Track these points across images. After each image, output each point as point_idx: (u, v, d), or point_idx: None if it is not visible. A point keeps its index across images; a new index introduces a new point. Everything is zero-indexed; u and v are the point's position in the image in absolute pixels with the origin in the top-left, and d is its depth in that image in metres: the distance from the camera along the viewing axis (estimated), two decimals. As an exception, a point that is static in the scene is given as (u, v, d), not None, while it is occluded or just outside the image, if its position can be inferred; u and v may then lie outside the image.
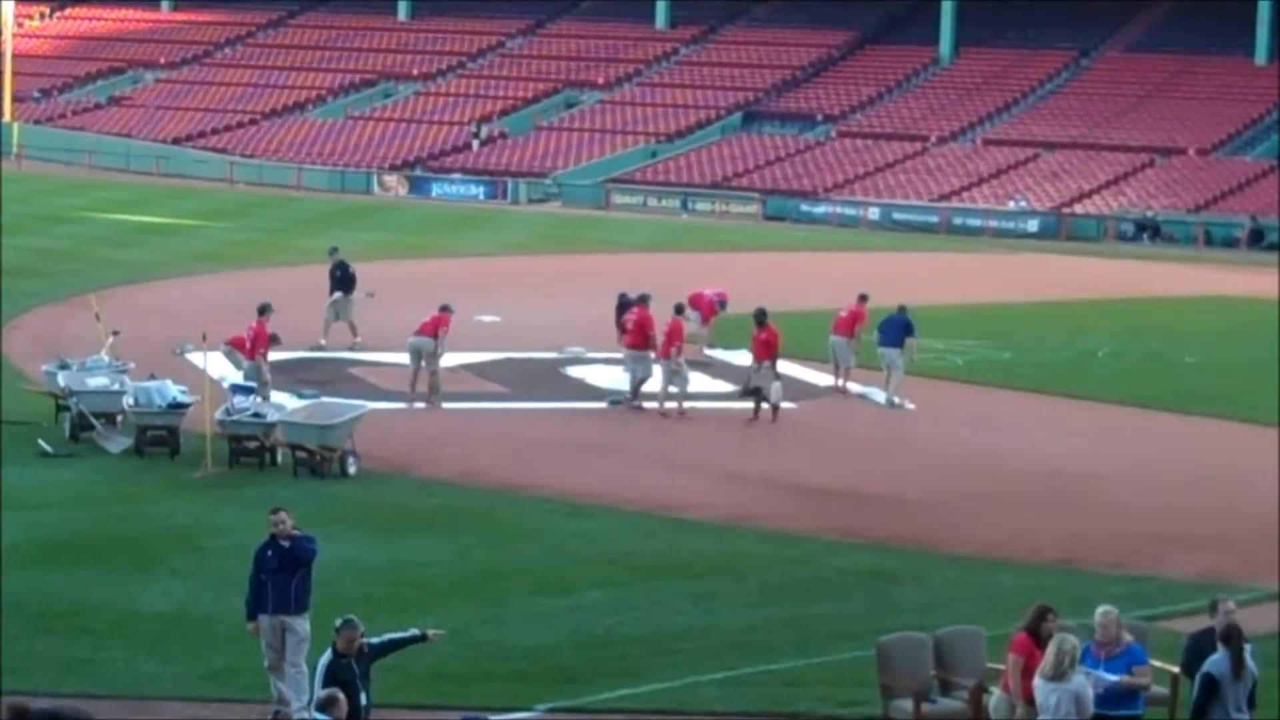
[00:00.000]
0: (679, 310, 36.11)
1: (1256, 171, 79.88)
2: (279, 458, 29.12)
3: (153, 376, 31.43)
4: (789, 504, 28.12)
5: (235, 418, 29.17)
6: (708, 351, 40.82)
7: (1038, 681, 15.48)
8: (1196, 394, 38.44)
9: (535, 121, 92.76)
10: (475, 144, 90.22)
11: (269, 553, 18.19)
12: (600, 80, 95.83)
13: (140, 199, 76.01)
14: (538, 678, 19.61)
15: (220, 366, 34.06)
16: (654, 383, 35.08)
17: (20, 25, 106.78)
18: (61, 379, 31.30)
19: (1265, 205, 75.66)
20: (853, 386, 37.39)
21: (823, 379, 38.11)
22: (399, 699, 18.04)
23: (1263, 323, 47.49)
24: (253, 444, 29.11)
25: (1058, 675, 15.31)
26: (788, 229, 76.63)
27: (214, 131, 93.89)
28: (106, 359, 32.65)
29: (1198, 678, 16.06)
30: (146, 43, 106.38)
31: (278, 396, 32.67)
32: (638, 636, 21.20)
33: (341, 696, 14.65)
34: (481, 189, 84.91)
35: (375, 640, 16.07)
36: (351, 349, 39.70)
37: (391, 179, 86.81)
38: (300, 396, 33.07)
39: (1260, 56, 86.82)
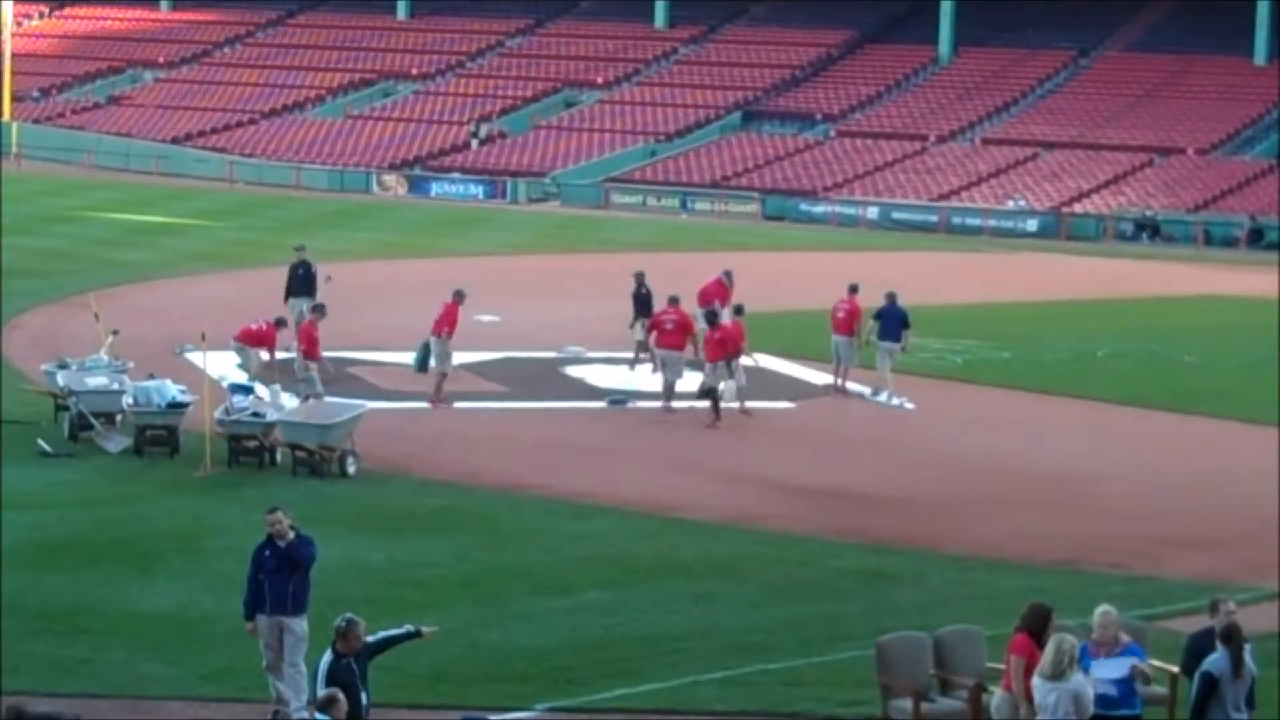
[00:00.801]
0: (739, 311, 36.16)
1: (1256, 171, 79.89)
2: (278, 457, 29.12)
3: (152, 376, 31.43)
4: (788, 504, 28.12)
5: (234, 417, 29.17)
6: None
7: (1036, 681, 15.48)
8: (1196, 394, 38.44)
9: (534, 121, 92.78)
10: (474, 143, 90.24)
11: (266, 553, 18.16)
12: (599, 80, 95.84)
13: (139, 199, 76.02)
14: (537, 678, 19.60)
15: (219, 365, 34.02)
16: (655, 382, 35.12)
17: (20, 24, 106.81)
18: (61, 379, 31.29)
19: (1264, 205, 75.69)
20: (852, 386, 37.37)
21: (822, 378, 38.11)
22: (398, 699, 18.03)
23: (1262, 322, 47.49)
24: (252, 443, 29.11)
25: (1057, 675, 15.31)
26: (787, 228, 76.66)
27: (213, 131, 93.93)
28: (106, 359, 32.64)
29: (1197, 677, 16.06)
30: (146, 42, 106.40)
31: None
32: (637, 637, 21.19)
33: (341, 697, 14.64)
34: (481, 189, 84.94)
35: (370, 638, 16.05)
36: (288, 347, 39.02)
37: (391, 178, 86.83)
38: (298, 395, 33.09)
39: (1259, 56, 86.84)
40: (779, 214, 79.97)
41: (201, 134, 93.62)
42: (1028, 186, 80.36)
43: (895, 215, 78.48)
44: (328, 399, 31.41)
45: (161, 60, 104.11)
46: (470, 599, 22.44)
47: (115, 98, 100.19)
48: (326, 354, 34.52)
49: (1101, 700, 15.93)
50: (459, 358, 37.51)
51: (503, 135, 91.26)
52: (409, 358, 37.94)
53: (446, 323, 34.55)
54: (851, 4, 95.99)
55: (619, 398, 35.93)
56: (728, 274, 42.24)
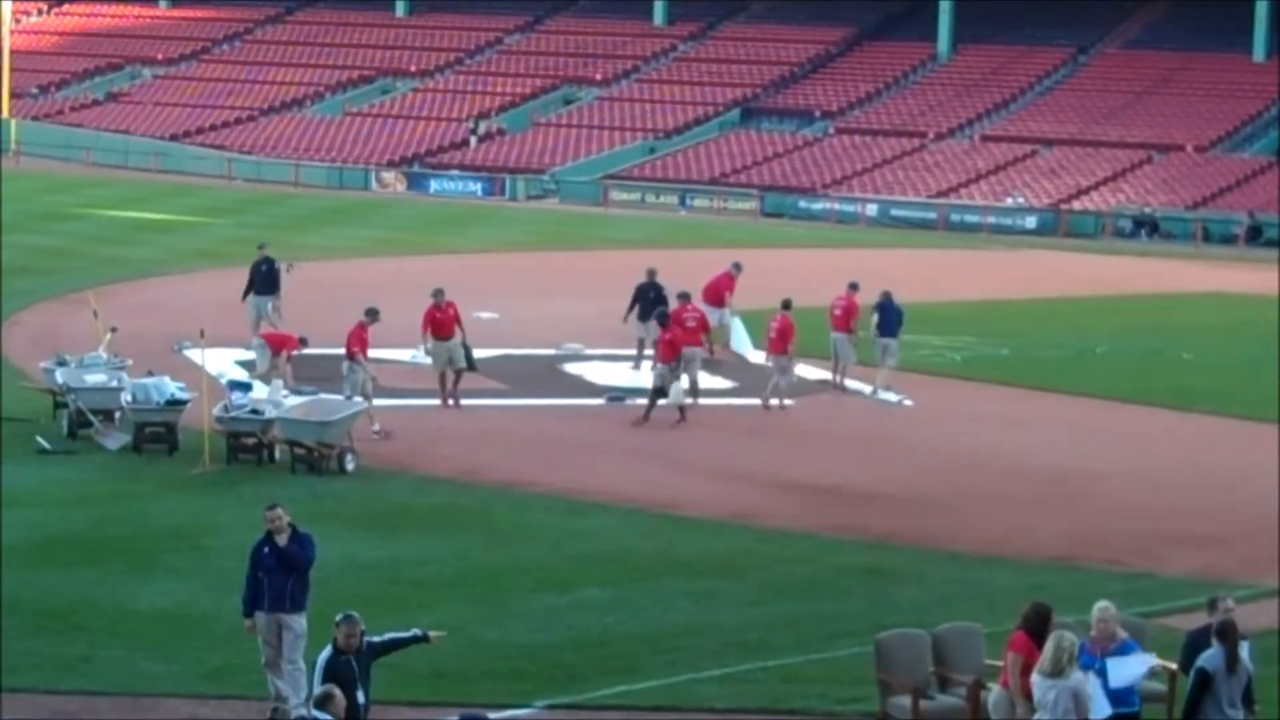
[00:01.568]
0: (787, 306, 36.17)
1: (1255, 168, 79.88)
2: (277, 454, 29.12)
3: (151, 373, 31.43)
4: (787, 502, 28.12)
5: (233, 414, 29.17)
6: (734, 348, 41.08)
7: (1036, 678, 15.49)
8: (1195, 391, 38.44)
9: (533, 118, 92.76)
10: (473, 140, 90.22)
11: (265, 550, 18.16)
12: (598, 77, 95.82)
13: (138, 196, 76.00)
14: (537, 675, 19.61)
15: (217, 363, 34.02)
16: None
17: (18, 21, 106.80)
18: (60, 376, 31.28)
19: (1263, 202, 75.67)
20: (851, 383, 37.38)
21: (821, 375, 38.11)
22: (398, 696, 18.03)
23: (1261, 319, 47.51)
24: (251, 441, 29.11)
25: (1056, 672, 15.32)
26: (786, 225, 76.65)
27: (212, 128, 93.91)
28: (104, 356, 32.65)
29: (1191, 673, 16.07)
30: (144, 39, 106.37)
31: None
32: (636, 634, 21.20)
33: (339, 694, 14.63)
34: (479, 185, 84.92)
35: (377, 639, 16.06)
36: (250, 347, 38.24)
37: (389, 175, 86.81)
38: (298, 393, 33.09)
39: (1258, 53, 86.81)
40: (778, 211, 79.96)
41: (200, 131, 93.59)
42: (1026, 183, 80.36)
43: (894, 212, 78.47)
44: (327, 397, 31.40)
45: (160, 57, 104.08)
46: (469, 596, 22.45)
47: (114, 95, 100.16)
48: (325, 352, 34.52)
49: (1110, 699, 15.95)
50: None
51: (501, 132, 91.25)
52: (407, 355, 37.94)
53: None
54: (850, 1, 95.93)
55: (618, 395, 35.93)
56: (737, 265, 42.30)
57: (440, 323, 34.52)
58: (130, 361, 32.89)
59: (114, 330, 34.06)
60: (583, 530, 25.95)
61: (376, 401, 32.35)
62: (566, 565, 24.00)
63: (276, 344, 35.00)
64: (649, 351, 37.79)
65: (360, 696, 15.52)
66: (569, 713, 18.71)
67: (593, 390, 36.66)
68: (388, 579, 22.90)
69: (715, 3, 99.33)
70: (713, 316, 41.77)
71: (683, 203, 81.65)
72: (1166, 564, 24.98)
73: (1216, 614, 16.58)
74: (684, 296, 36.57)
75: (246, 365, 36.17)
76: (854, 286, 38.06)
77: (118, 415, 30.62)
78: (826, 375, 37.80)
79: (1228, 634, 16.00)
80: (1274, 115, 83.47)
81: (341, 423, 28.94)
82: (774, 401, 35.43)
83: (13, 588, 21.67)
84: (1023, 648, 16.23)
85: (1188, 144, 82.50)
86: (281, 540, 18.05)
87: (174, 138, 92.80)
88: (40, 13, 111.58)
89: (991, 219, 76.69)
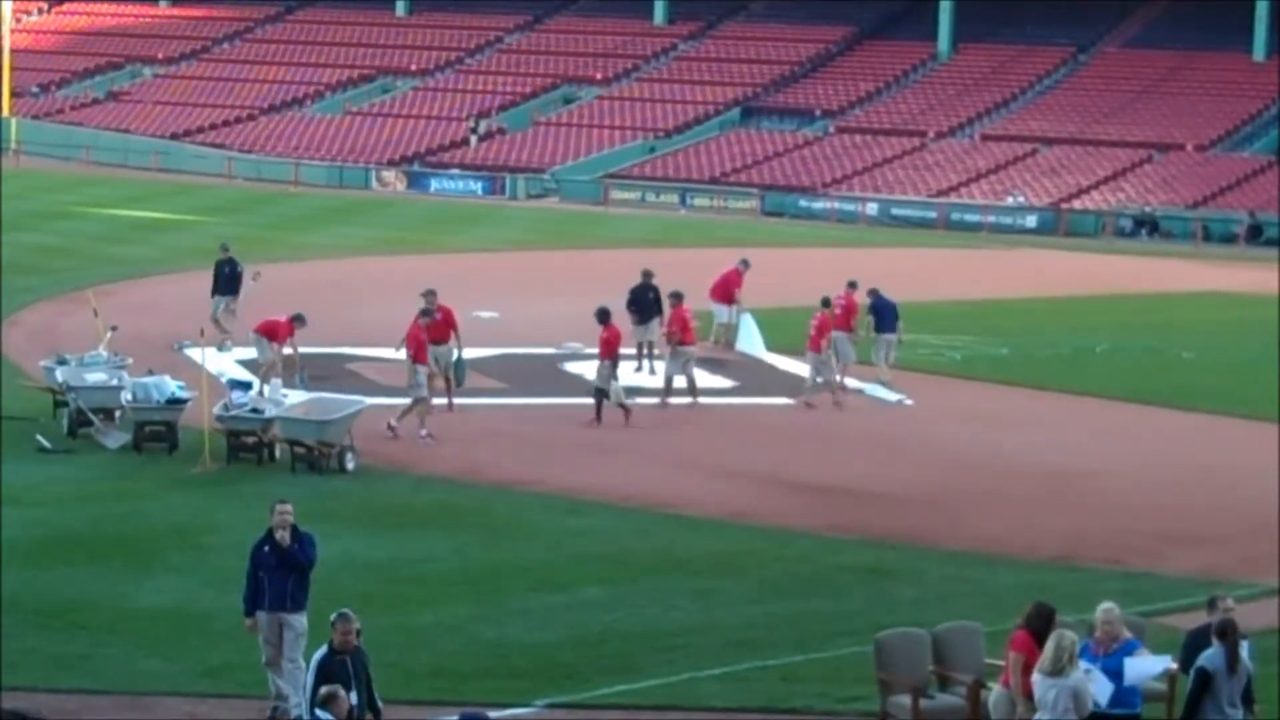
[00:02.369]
0: (826, 304, 36.22)
1: (1255, 167, 79.88)
2: (277, 453, 29.12)
3: (151, 372, 31.44)
4: (787, 501, 28.12)
5: (233, 413, 29.17)
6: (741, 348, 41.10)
7: (1036, 677, 15.50)
8: (1194, 390, 38.44)
9: (533, 117, 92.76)
10: (473, 140, 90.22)
11: (266, 549, 18.16)
12: (598, 76, 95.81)
13: (138, 194, 75.98)
14: (536, 674, 19.61)
15: (218, 361, 34.01)
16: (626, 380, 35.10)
17: (18, 20, 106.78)
18: (60, 375, 31.28)
19: (1263, 201, 75.68)
20: (851, 382, 37.36)
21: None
22: (398, 695, 18.01)
23: (1261, 319, 47.48)
24: (251, 439, 29.11)
25: (1056, 671, 15.32)
26: (786, 225, 76.64)
27: (212, 127, 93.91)
28: (104, 355, 32.65)
29: (1191, 672, 16.07)
30: (145, 38, 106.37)
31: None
32: (636, 633, 21.20)
33: (342, 693, 14.64)
34: (480, 185, 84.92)
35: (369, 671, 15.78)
36: (219, 349, 37.81)
37: (390, 174, 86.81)
38: (302, 382, 33.14)
39: (1259, 52, 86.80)
40: (778, 210, 79.95)
41: (200, 130, 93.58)
42: (1027, 183, 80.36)
43: (894, 211, 78.47)
44: (326, 395, 31.40)
45: (160, 56, 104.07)
46: (469, 595, 22.45)
47: (114, 93, 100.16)
48: (326, 351, 34.53)
49: (1111, 699, 15.95)
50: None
51: (502, 131, 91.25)
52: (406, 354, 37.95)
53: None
54: (850, 0, 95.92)
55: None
56: (745, 262, 42.29)
57: (431, 327, 33.94)
58: (130, 360, 32.89)
59: (114, 329, 34.07)
60: (582, 529, 25.95)
61: (376, 400, 32.32)
62: (566, 564, 24.01)
63: (269, 333, 34.84)
64: (657, 352, 37.86)
65: (353, 698, 15.44)
66: (569, 712, 18.71)
67: (592, 389, 36.60)
68: (387, 578, 22.91)
69: (715, 2, 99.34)
70: (721, 315, 41.82)
71: (683, 202, 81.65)
72: (1166, 563, 24.98)
73: (1216, 613, 16.58)
74: (678, 297, 36.44)
75: (247, 364, 36.14)
76: (852, 285, 38.08)
77: (118, 414, 30.62)
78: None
79: (1228, 633, 16.00)
80: (1274, 114, 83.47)
81: (341, 422, 28.93)
82: (821, 396, 35.58)
83: (13, 586, 21.67)
84: (1024, 647, 16.23)
85: (1188, 143, 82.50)
86: (283, 538, 18.04)
87: (174, 136, 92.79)
88: (41, 11, 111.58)
89: (992, 218, 76.69)
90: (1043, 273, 61.48)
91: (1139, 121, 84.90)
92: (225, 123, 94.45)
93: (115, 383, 30.90)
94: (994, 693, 16.82)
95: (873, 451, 32.14)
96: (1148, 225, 75.81)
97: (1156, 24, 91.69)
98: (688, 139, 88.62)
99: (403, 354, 32.33)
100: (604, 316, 33.86)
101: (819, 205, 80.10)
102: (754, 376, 38.84)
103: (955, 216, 77.30)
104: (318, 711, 14.44)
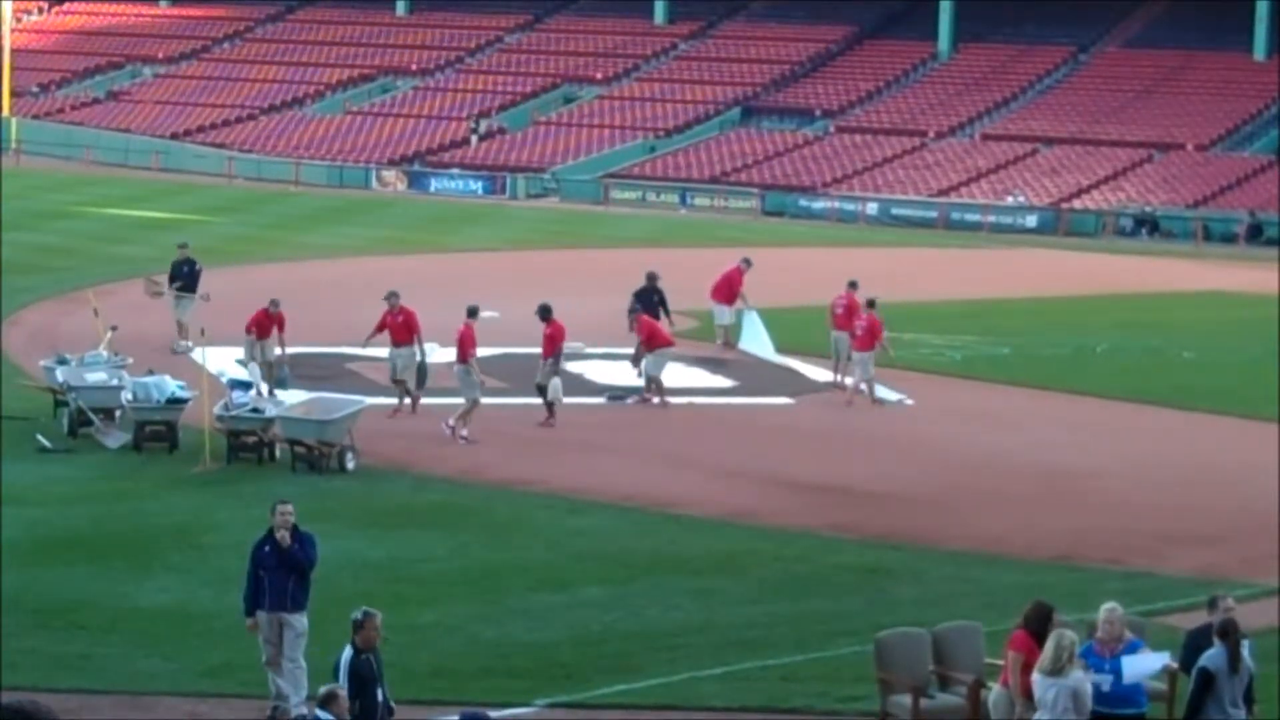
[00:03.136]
0: (871, 304, 36.30)
1: (1255, 167, 79.85)
2: (277, 453, 29.12)
3: (151, 372, 31.45)
4: (787, 500, 28.12)
5: (234, 413, 29.17)
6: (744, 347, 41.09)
7: (1036, 676, 15.50)
8: (1195, 389, 38.43)
9: (534, 117, 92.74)
10: (474, 139, 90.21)
11: (266, 549, 18.16)
12: (599, 75, 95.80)
13: (138, 194, 75.96)
14: (537, 674, 19.61)
15: (218, 361, 33.99)
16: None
17: (19, 20, 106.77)
18: (60, 374, 31.29)
19: (1264, 200, 75.65)
20: (850, 381, 37.31)
21: (821, 374, 38.13)
22: (399, 694, 17.95)
23: (1261, 318, 47.45)
24: (251, 439, 29.11)
25: (1056, 670, 15.33)
26: (786, 224, 76.62)
27: (212, 127, 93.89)
28: (105, 354, 32.65)
29: (1193, 672, 16.06)
30: (145, 38, 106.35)
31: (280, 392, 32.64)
32: (636, 632, 21.20)
33: (342, 693, 14.64)
34: (480, 184, 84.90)
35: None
36: (174, 350, 37.90)
37: (390, 174, 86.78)
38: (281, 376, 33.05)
39: (1259, 52, 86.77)
40: (778, 210, 79.92)
41: (201, 129, 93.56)
42: (1027, 182, 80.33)
43: (894, 211, 78.44)
44: (326, 395, 31.42)
45: (161, 56, 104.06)
46: (469, 594, 22.46)
47: (114, 93, 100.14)
48: (326, 351, 34.51)
49: (1110, 699, 15.93)
50: (456, 354, 37.41)
51: (502, 131, 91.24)
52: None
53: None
54: (851, 0, 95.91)
55: (618, 394, 35.93)
56: (746, 261, 42.29)
57: (392, 328, 33.73)
58: (130, 360, 32.89)
59: (114, 328, 34.07)
60: (582, 529, 25.95)
61: (376, 400, 32.33)
62: (566, 563, 24.01)
63: (251, 326, 34.69)
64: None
65: (380, 694, 15.46)
66: (569, 711, 18.71)
67: (593, 389, 36.65)
68: (388, 577, 22.91)
69: (715, 1, 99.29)
70: (724, 315, 41.80)
71: (683, 201, 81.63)
72: (1167, 563, 24.97)
73: (1217, 613, 16.58)
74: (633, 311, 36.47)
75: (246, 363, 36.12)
76: (854, 285, 38.05)
77: (118, 414, 30.63)
78: (828, 374, 37.79)
79: (1229, 633, 16.00)
80: (1274, 114, 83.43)
81: (341, 421, 28.93)
82: (863, 388, 35.84)
83: (13, 585, 21.67)
84: (1023, 646, 16.24)
85: (1188, 143, 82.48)
86: (284, 538, 18.04)
87: (174, 136, 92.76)
88: (41, 11, 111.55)
89: (992, 218, 76.67)
90: (1043, 272, 61.45)
91: (1139, 121, 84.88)
92: (225, 122, 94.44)
93: (115, 382, 30.91)
94: (994, 692, 16.82)
95: (873, 451, 32.13)
96: (1148, 225, 75.78)
97: (1157, 24, 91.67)
98: (688, 139, 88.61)
99: (369, 349, 32.33)
100: (545, 313, 33.59)
101: (819, 205, 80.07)
102: (754, 376, 38.83)
103: (955, 216, 77.28)
104: (318, 711, 14.44)
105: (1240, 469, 31.05)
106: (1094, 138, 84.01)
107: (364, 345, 34.50)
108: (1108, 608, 16.53)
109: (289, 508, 18.24)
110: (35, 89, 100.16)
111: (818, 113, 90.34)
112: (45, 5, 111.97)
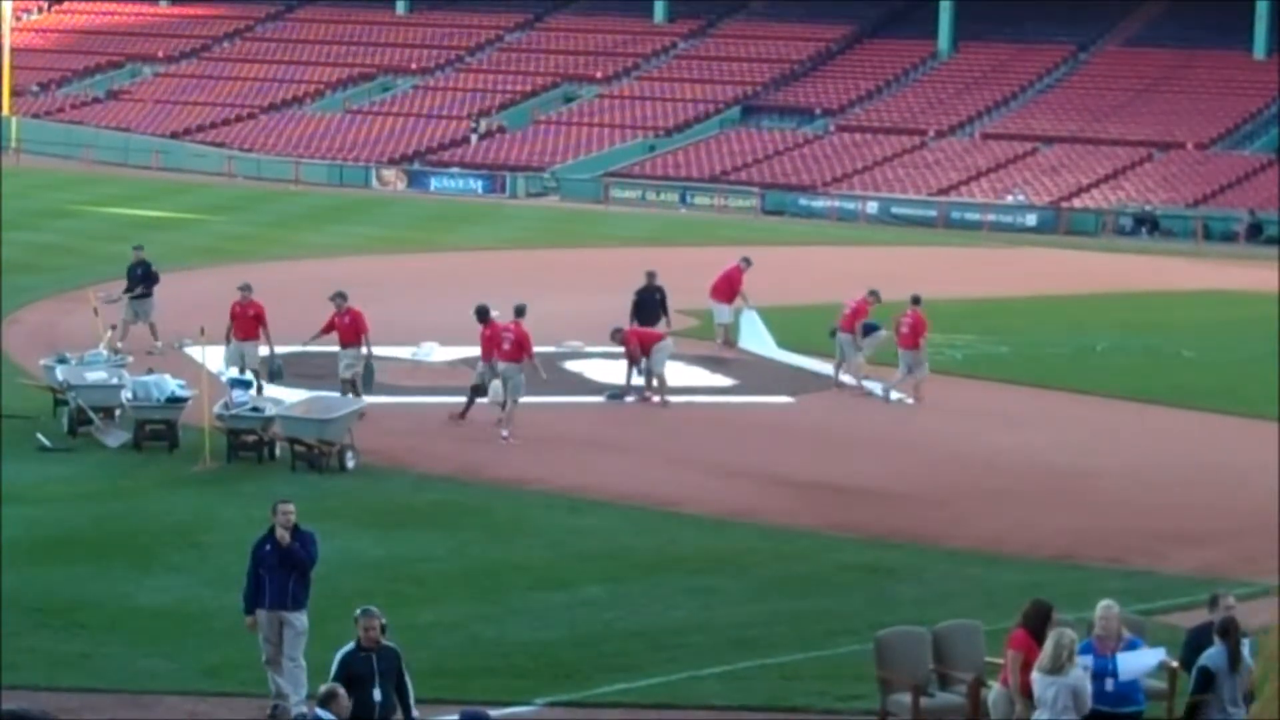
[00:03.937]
0: (916, 301, 36.38)
1: (1255, 165, 79.88)
2: (277, 452, 29.12)
3: (151, 371, 31.44)
4: (787, 499, 28.11)
5: (234, 412, 29.17)
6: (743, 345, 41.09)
7: (1035, 675, 15.50)
8: (1195, 389, 38.42)
9: (533, 116, 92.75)
10: (473, 138, 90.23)
11: (267, 547, 18.15)
12: (598, 74, 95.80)
13: (138, 193, 75.97)
14: (536, 673, 19.61)
15: (218, 360, 33.98)
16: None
17: (19, 19, 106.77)
18: (60, 373, 31.28)
19: (1264, 199, 75.68)
20: (847, 379, 37.28)
21: (824, 369, 38.14)
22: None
23: (1261, 317, 47.45)
24: (251, 438, 29.11)
25: (1056, 669, 15.33)
26: (786, 223, 76.63)
27: (212, 126, 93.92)
28: (105, 353, 32.64)
29: (1194, 671, 16.07)
30: (145, 37, 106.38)
31: (277, 391, 32.62)
32: (636, 631, 21.20)
33: (342, 691, 14.61)
34: (480, 183, 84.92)
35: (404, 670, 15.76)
36: (150, 352, 37.24)
37: (390, 173, 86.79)
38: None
39: (1259, 50, 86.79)
40: (778, 209, 79.92)
41: (200, 129, 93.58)
42: (1027, 181, 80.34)
43: (894, 210, 78.46)
44: (326, 393, 31.41)
45: (160, 55, 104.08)
46: (469, 594, 22.45)
47: (114, 92, 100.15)
48: (325, 350, 34.43)
49: (1111, 698, 15.93)
50: (457, 352, 37.47)
51: (502, 130, 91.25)
52: (408, 353, 37.95)
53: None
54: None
55: (617, 393, 35.91)
56: (746, 260, 42.27)
57: (340, 329, 33.21)
58: (130, 359, 32.88)
59: (114, 328, 34.07)
60: (582, 527, 25.95)
61: (376, 398, 32.31)
62: (566, 562, 24.00)
63: (245, 329, 34.48)
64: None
65: (377, 694, 15.41)
66: (569, 710, 18.71)
67: (593, 388, 36.64)
68: (388, 576, 22.90)
69: (715, 0, 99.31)
70: (723, 314, 41.79)
71: (683, 200, 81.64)
72: (1167, 561, 24.98)
73: (1217, 611, 16.59)
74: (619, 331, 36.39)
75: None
76: (875, 295, 37.62)
77: (118, 412, 30.62)
78: (828, 371, 37.81)
79: (1229, 632, 16.00)
80: (1274, 113, 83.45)
81: (341, 420, 28.93)
82: (895, 395, 35.82)
83: (13, 585, 21.66)
84: (1022, 645, 16.24)
85: (1188, 141, 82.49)
86: (285, 537, 18.03)
87: (174, 135, 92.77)
88: (41, 10, 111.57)
89: (992, 217, 76.67)
90: (1043, 271, 61.44)
91: (1139, 120, 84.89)
92: (225, 121, 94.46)
93: (115, 381, 30.90)
94: (994, 691, 16.83)
95: (873, 450, 32.13)
96: (1148, 224, 75.78)
97: (1157, 22, 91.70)
98: (688, 138, 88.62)
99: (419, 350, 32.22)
100: (483, 315, 33.18)
101: (819, 204, 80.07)
102: (754, 375, 38.82)
103: (955, 215, 77.29)
104: (318, 710, 14.43)
105: (1240, 468, 31.04)
106: (1094, 137, 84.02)
107: (305, 344, 33.94)
108: (1104, 605, 16.53)
109: (290, 507, 18.23)
110: (35, 88, 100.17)
111: (818, 112, 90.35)
112: (45, 4, 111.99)
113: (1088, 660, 15.86)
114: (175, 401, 30.01)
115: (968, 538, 25.99)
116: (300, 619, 18.07)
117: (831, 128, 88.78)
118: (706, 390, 37.08)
